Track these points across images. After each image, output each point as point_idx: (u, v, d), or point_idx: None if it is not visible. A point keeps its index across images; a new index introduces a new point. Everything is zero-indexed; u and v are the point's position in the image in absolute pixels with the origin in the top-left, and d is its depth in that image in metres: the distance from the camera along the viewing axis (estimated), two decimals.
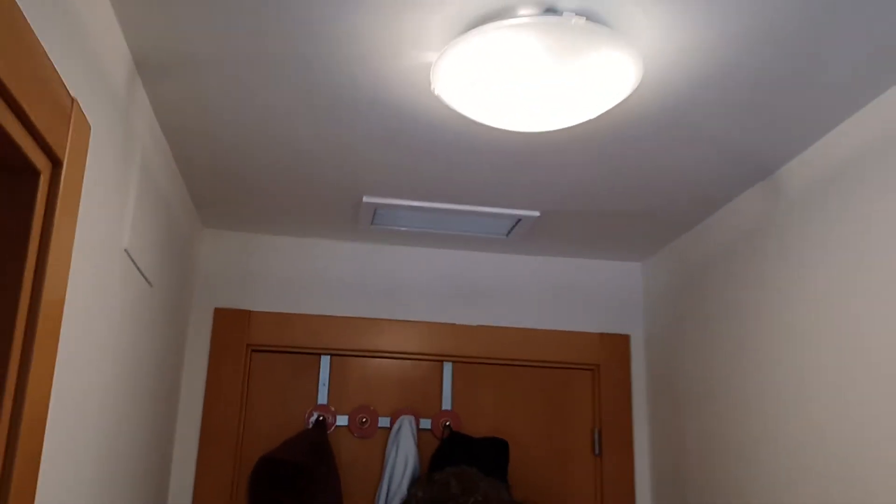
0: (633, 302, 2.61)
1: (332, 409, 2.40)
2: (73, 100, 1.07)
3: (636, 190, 1.98)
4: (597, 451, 2.48)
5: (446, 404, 2.46)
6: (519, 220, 2.20)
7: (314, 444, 2.26)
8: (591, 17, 1.22)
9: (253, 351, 2.40)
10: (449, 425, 2.42)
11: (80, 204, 1.16)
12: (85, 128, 1.12)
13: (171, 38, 1.35)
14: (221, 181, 2.02)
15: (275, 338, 2.38)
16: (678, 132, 1.66)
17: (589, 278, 2.60)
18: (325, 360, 2.43)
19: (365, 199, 2.09)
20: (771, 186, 1.87)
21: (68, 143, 1.05)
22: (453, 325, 2.48)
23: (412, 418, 2.37)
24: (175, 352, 2.16)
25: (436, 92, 1.37)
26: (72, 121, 1.06)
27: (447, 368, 2.49)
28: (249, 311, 2.39)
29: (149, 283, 1.73)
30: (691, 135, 1.67)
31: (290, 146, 1.78)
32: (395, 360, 2.48)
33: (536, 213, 2.16)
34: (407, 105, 1.57)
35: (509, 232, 2.33)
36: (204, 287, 2.39)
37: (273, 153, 1.83)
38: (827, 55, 1.35)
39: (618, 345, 2.55)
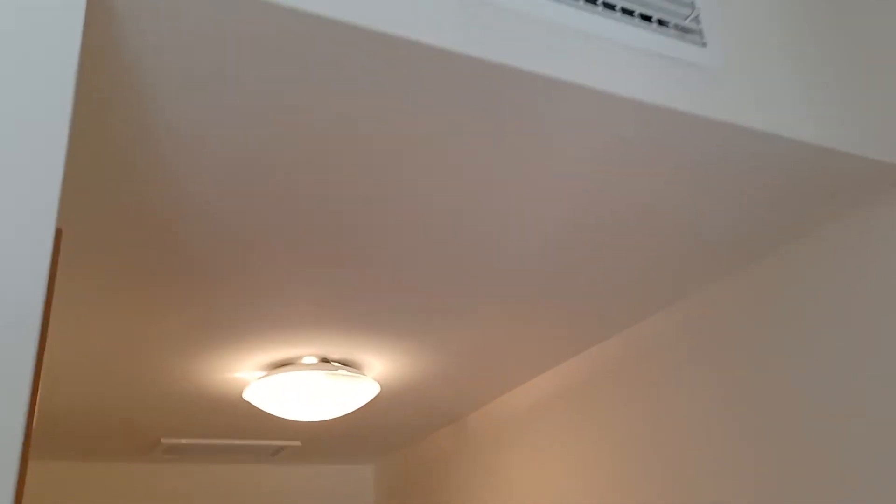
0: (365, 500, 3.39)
1: None
2: None
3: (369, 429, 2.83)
4: None
5: None
6: (282, 448, 2.92)
7: None
8: (348, 363, 2.06)
9: None
10: None
11: None
12: None
13: None
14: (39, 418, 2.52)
15: None
16: (400, 402, 2.54)
17: (325, 482, 3.34)
18: None
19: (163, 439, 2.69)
20: (458, 427, 2.80)
21: None
22: None
23: None
24: None
25: (244, 397, 2.11)
26: None
27: None
28: None
29: None
30: (415, 401, 2.56)
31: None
32: None
33: (298, 443, 2.90)
34: (222, 399, 2.28)
35: (275, 454, 3.03)
36: None
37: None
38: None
39: None
